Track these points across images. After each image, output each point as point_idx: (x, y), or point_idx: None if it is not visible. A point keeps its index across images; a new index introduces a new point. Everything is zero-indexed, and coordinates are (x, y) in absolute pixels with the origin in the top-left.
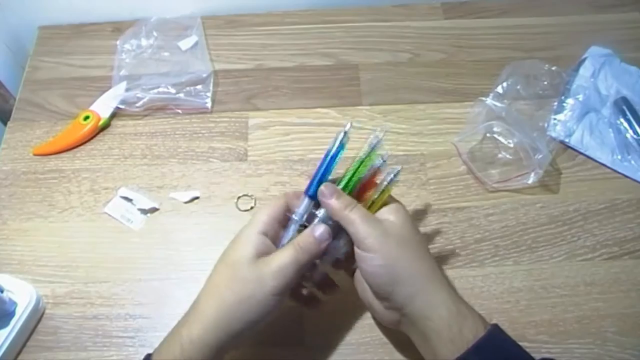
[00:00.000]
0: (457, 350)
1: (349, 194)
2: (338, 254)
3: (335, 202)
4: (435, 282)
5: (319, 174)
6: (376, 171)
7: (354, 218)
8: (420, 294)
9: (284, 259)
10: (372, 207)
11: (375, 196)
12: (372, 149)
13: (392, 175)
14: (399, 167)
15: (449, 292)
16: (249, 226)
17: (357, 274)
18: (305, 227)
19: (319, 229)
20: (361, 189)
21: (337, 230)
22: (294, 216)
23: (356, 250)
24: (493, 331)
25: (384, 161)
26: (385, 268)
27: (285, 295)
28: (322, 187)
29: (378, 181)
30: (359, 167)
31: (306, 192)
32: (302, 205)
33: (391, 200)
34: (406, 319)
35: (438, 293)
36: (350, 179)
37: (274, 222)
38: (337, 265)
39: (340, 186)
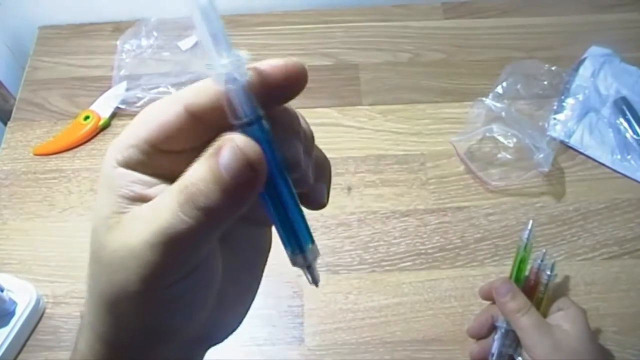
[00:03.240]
0: None
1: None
2: (509, 351)
3: (511, 303)
4: None
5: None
6: (536, 270)
7: (525, 325)
8: None
9: (159, 225)
10: (541, 305)
11: (540, 295)
12: (526, 244)
13: (548, 272)
14: (552, 261)
15: None
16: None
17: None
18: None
19: (227, 146)
20: (528, 286)
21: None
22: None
23: (523, 352)
24: None
25: (541, 262)
26: None
27: (201, 266)
28: (498, 284)
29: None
30: (519, 265)
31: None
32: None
33: (565, 301)
34: None
35: None
36: (517, 277)
37: (144, 145)
38: None
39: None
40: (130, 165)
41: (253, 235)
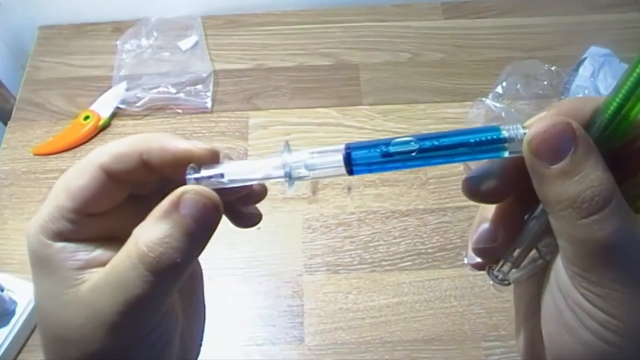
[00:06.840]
0: None
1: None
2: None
3: (568, 178)
4: None
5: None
6: None
7: (599, 237)
8: None
9: (130, 294)
10: None
11: None
12: None
13: None
14: None
15: None
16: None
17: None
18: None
19: (186, 197)
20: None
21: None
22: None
23: (569, 280)
24: None
25: None
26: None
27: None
28: (545, 126)
29: None
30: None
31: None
32: None
33: None
34: None
35: None
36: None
37: (71, 214)
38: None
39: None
40: (65, 237)
41: None
